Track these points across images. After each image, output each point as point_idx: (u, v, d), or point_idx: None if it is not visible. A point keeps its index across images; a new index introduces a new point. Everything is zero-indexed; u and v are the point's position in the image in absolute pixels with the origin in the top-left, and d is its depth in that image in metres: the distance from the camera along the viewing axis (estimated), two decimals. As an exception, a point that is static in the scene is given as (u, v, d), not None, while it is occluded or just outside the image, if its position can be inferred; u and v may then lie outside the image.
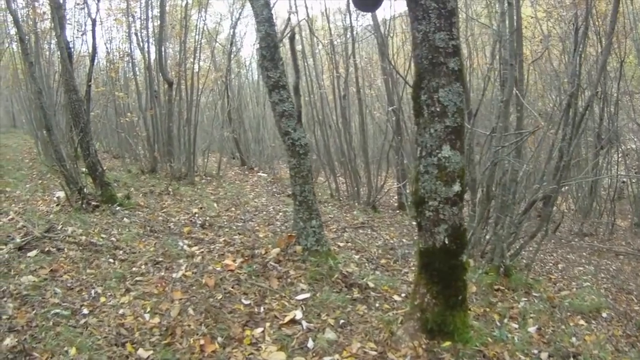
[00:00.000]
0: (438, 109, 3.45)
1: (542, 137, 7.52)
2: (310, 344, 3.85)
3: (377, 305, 4.77)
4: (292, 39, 6.21)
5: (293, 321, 4.20)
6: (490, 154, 6.57)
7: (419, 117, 3.58)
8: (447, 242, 3.65)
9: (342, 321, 4.26)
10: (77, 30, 14.08)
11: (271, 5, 5.49)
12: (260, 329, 4.03)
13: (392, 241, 7.90)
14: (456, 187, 3.56)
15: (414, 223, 9.62)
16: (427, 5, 3.40)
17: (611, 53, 9.54)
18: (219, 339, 3.83)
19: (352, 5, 5.28)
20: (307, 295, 4.68)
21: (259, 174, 14.88)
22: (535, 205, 7.41)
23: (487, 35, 13.70)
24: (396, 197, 12.57)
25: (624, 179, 13.01)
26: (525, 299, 5.72)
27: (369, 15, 11.49)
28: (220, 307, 4.33)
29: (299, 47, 11.50)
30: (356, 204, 11.30)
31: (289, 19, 11.81)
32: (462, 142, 3.57)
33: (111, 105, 14.77)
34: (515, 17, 6.61)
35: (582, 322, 5.42)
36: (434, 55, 3.42)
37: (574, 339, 4.77)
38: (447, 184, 3.54)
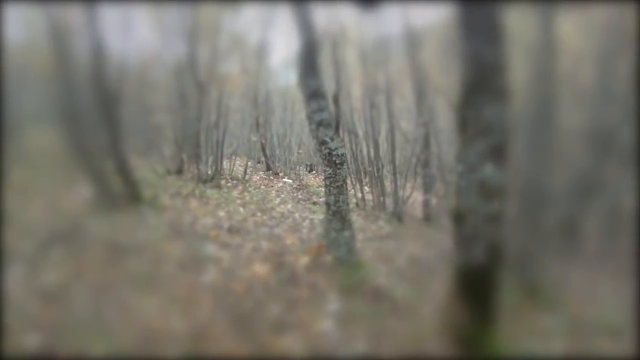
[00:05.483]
0: (483, 126, 3.42)
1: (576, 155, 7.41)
2: (340, 355, 3.84)
3: (407, 318, 4.71)
4: (334, 47, 6.20)
5: (323, 331, 4.18)
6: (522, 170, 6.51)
7: (463, 132, 3.56)
8: (484, 258, 3.63)
9: (372, 333, 4.22)
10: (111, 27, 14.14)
11: (312, 12, 5.48)
12: (289, 338, 4.02)
13: (418, 253, 7.83)
14: (496, 205, 3.53)
15: (437, 236, 9.53)
16: (478, 19, 3.37)
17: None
18: (248, 346, 3.81)
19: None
20: (338, 305, 4.66)
21: (284, 179, 14.87)
22: (563, 223, 7.32)
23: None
24: (421, 209, 12.48)
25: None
26: (551, 316, 5.65)
27: (401, 23, 11.43)
28: (249, 314, 4.33)
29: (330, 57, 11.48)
30: (381, 214, 11.24)
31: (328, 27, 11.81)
32: (506, 159, 3.54)
33: (139, 104, 14.81)
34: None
35: (607, 342, 5.35)
36: (482, 70, 3.39)
37: (600, 360, 4.72)
38: (487, 201, 3.50)
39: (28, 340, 3.49)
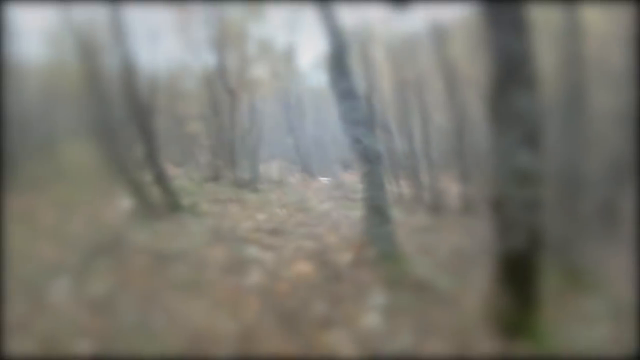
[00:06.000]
0: (514, 114, 3.45)
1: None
2: (386, 347, 3.85)
3: (450, 307, 4.72)
4: (362, 46, 6.23)
5: (369, 325, 4.21)
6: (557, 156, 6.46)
7: (495, 122, 3.59)
8: (524, 245, 3.66)
9: (417, 324, 4.23)
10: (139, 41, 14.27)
11: (337, 14, 5.52)
12: (336, 334, 4.04)
13: (458, 244, 7.80)
14: (533, 191, 3.56)
15: (476, 226, 9.41)
16: (503, 14, 3.41)
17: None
18: (295, 344, 3.86)
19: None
20: (382, 299, 4.70)
21: (320, 179, 14.92)
22: (600, 207, 7.24)
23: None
24: (458, 200, 12.39)
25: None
26: (595, 300, 5.57)
27: (428, 18, 11.37)
28: (295, 313, 4.39)
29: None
30: (420, 207, 11.19)
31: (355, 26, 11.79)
32: (539, 146, 3.56)
33: (172, 114, 14.92)
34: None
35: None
36: (510, 61, 3.42)
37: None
38: (523, 187, 3.53)
39: (79, 347, 3.57)
